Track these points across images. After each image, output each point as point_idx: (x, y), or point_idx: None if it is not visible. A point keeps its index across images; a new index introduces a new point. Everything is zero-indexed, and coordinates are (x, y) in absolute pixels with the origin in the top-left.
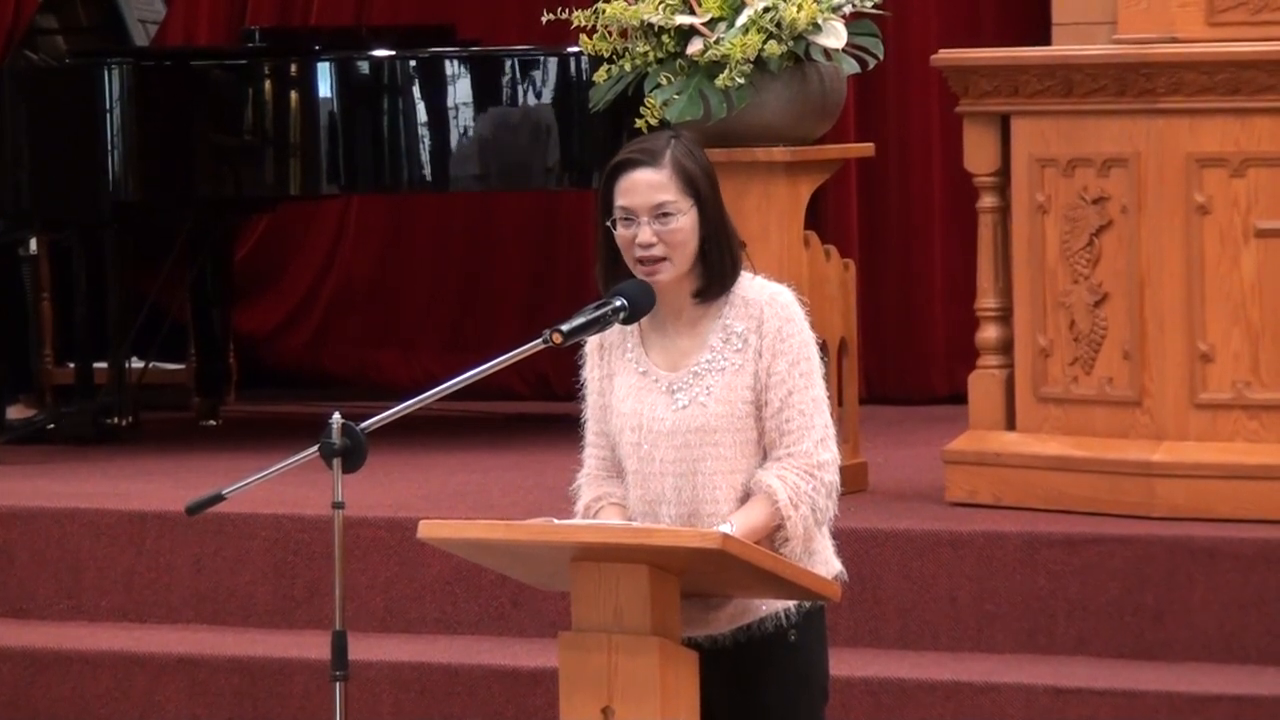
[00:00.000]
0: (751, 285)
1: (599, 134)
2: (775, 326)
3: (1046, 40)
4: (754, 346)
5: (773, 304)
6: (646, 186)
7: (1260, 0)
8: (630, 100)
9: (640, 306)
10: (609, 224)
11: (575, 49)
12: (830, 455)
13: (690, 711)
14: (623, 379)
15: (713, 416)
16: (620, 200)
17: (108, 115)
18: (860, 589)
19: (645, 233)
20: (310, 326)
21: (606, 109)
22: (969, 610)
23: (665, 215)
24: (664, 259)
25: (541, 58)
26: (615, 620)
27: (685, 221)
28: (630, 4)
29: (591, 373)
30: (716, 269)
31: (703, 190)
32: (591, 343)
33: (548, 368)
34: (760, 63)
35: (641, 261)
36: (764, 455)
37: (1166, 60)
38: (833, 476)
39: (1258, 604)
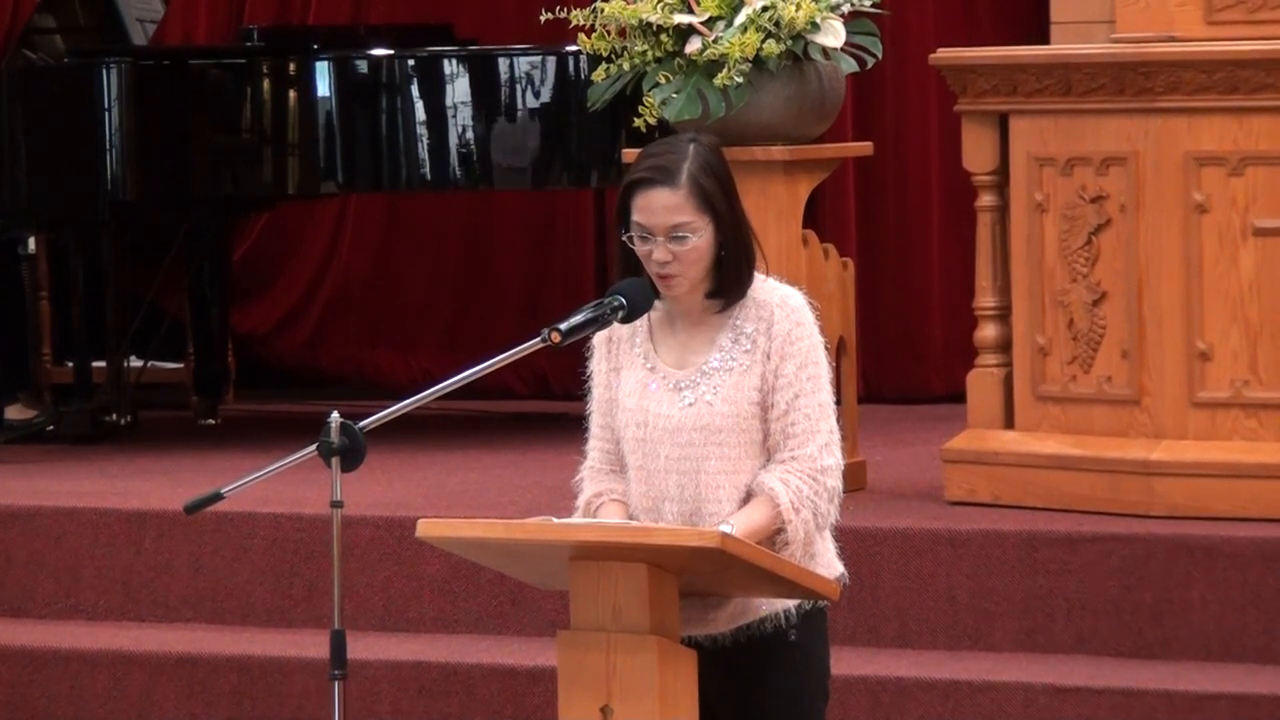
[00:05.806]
0: (763, 287)
1: (597, 133)
2: (785, 329)
3: (1045, 39)
4: (763, 348)
5: (783, 306)
6: (662, 208)
7: None
8: (629, 99)
9: (639, 306)
10: (626, 237)
11: (573, 48)
12: (834, 461)
13: (689, 710)
14: (629, 374)
15: (718, 416)
16: (636, 216)
17: (106, 114)
18: (859, 588)
19: (661, 252)
20: (308, 326)
21: (605, 108)
22: (968, 609)
23: (681, 237)
24: (679, 274)
25: (540, 57)
26: (614, 619)
27: (701, 240)
28: (629, 3)
29: (598, 365)
30: (732, 276)
31: (719, 206)
32: (600, 336)
33: (546, 367)
34: (759, 62)
35: (658, 275)
36: (768, 457)
37: (1165, 59)
38: (835, 482)
39: (1256, 603)
